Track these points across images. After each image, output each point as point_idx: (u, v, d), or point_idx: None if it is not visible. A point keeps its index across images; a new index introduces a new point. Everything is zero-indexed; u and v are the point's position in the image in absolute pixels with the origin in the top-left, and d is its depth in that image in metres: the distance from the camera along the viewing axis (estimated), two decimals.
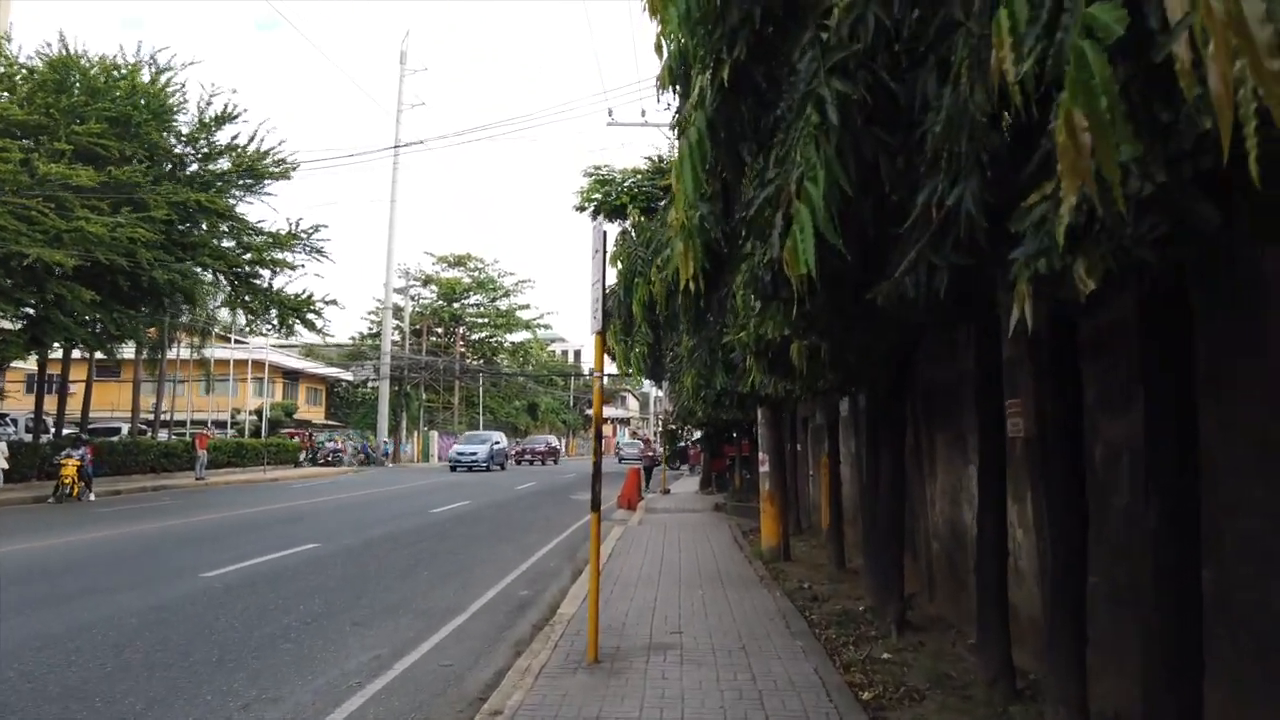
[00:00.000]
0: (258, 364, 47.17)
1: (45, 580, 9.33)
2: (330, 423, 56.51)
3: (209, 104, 26.15)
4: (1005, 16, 1.76)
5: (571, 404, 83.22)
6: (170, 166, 25.78)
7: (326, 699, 5.43)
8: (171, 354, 36.57)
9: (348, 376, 58.45)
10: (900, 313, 2.83)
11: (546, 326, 72.68)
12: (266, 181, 27.65)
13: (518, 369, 71.87)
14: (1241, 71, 1.21)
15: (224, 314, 36.19)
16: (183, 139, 26.33)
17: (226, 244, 27.39)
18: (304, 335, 32.69)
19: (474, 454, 41.61)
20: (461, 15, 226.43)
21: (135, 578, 9.63)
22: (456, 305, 65.46)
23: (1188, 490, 3.38)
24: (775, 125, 3.03)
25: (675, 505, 21.53)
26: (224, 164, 26.77)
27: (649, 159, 15.47)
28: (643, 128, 20.61)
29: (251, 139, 26.96)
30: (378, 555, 11.84)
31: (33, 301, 21.66)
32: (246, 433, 43.38)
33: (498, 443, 44.72)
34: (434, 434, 57.28)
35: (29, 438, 26.97)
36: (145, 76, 24.99)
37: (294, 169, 27.19)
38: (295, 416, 51.45)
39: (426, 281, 64.49)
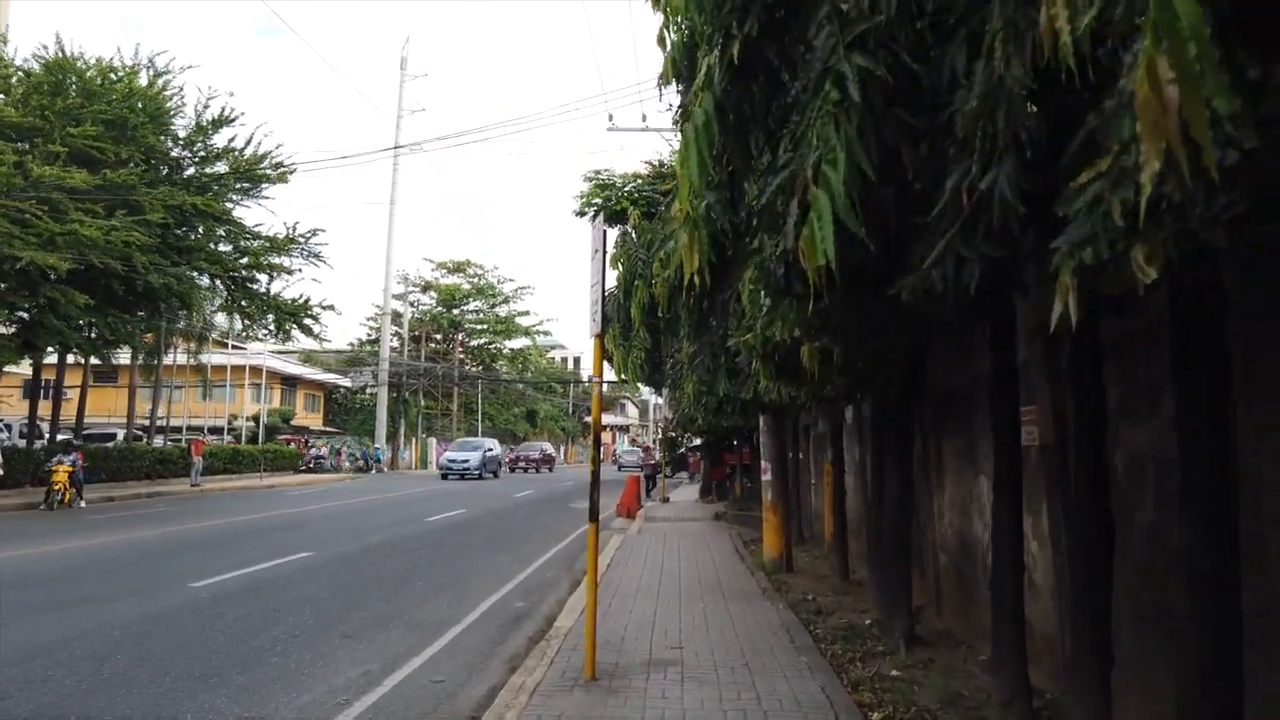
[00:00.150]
0: (255, 370, 46.92)
1: (29, 590, 9.08)
2: (328, 429, 56.22)
3: (206, 107, 26.01)
4: None
5: (571, 411, 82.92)
6: (166, 170, 25.59)
7: (312, 718, 5.19)
8: (168, 359, 36.36)
9: (346, 383, 58.19)
10: (926, 309, 2.61)
11: (546, 333, 72.46)
12: (264, 185, 27.47)
13: (517, 375, 71.62)
14: None
15: (221, 319, 35.93)
16: (179, 142, 26.15)
17: (223, 248, 27.20)
18: (301, 341, 32.46)
19: (465, 461, 39.96)
20: (464, 16, 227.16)
21: (122, 588, 9.39)
22: (456, 311, 65.25)
23: (1223, 498, 3.18)
24: (789, 110, 2.82)
25: (675, 514, 21.29)
26: (221, 167, 26.58)
27: (649, 163, 15.25)
28: (643, 132, 20.41)
29: (248, 142, 26.79)
30: (371, 564, 11.59)
31: (26, 305, 21.42)
32: (244, 439, 43.11)
33: (490, 450, 43.24)
34: (432, 441, 56.99)
35: (23, 443, 26.72)
36: (143, 80, 24.83)
37: (291, 172, 26.97)
38: (293, 423, 51.16)
39: (426, 287, 64.29)
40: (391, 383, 50.72)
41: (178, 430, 40.89)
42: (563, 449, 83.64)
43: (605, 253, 5.95)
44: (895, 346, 4.57)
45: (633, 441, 77.98)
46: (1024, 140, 2.08)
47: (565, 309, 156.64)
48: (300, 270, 28.88)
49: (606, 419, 74.18)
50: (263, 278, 27.93)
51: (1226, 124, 1.32)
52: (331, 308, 31.29)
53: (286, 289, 31.46)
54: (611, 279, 13.02)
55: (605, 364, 10.66)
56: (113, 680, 5.85)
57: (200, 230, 26.04)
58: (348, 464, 45.59)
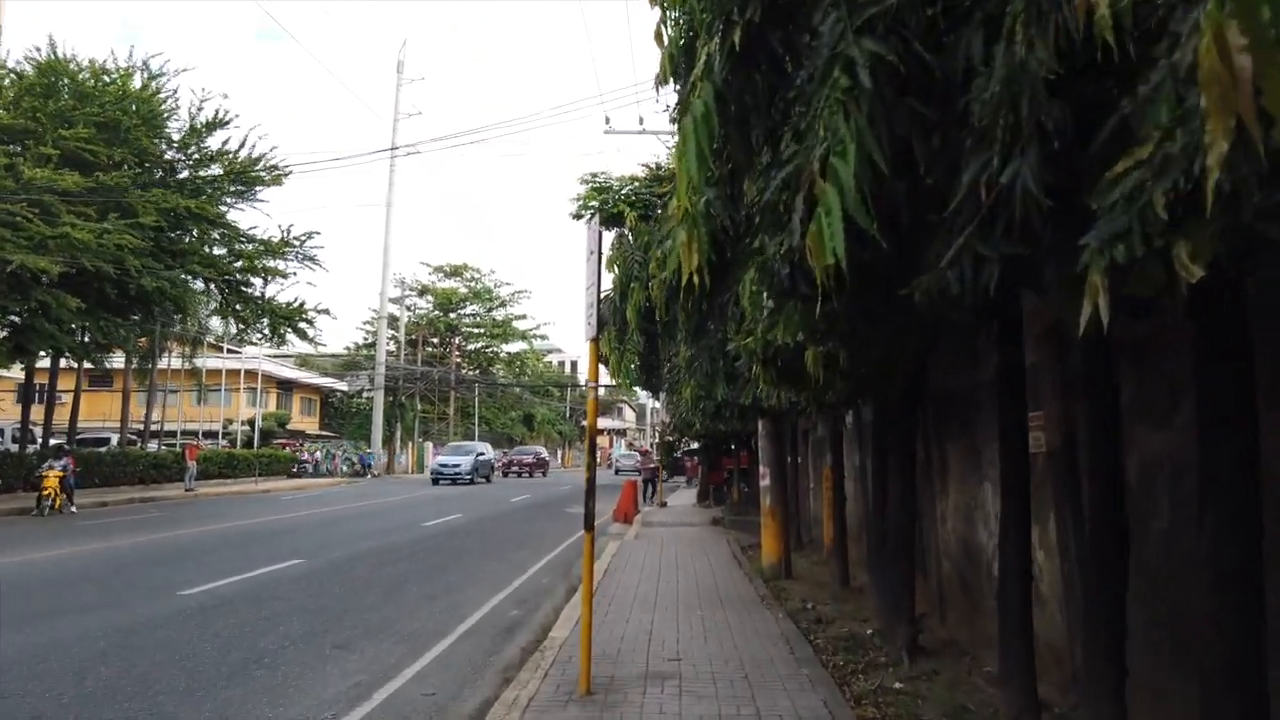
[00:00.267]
0: (251, 374, 46.72)
1: (12, 599, 8.88)
2: (325, 433, 55.99)
3: (200, 109, 25.86)
4: None
5: (568, 415, 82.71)
6: (160, 173, 25.42)
7: None
8: (163, 364, 36.15)
9: (342, 387, 57.95)
10: (940, 310, 2.46)
11: (543, 337, 72.24)
12: (258, 188, 27.31)
13: (514, 380, 71.39)
14: None
15: (215, 323, 35.75)
16: (173, 145, 25.98)
17: (217, 251, 27.04)
18: (296, 345, 32.29)
19: (457, 466, 38.62)
20: (463, 15, 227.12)
21: (109, 596, 9.21)
22: (452, 315, 65.02)
23: (1248, 501, 3.04)
24: (793, 102, 2.67)
25: (672, 518, 21.11)
26: (215, 170, 26.41)
27: (646, 166, 15.09)
28: (640, 135, 20.26)
29: (243, 144, 26.64)
30: (364, 571, 11.42)
31: (17, 309, 21.23)
32: (239, 443, 42.87)
33: (482, 454, 42.01)
34: (429, 445, 56.75)
35: (15, 448, 26.50)
36: (137, 82, 24.66)
37: (286, 174, 26.86)
38: (289, 427, 50.95)
39: (423, 291, 64.08)
40: (388, 387, 50.45)
41: (172, 434, 40.68)
42: (560, 453, 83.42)
43: (601, 254, 5.79)
44: (903, 350, 4.42)
45: (629, 445, 77.68)
46: (1050, 130, 1.94)
47: (562, 313, 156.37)
48: (295, 274, 28.79)
49: (603, 423, 74.00)
50: (257, 281, 27.79)
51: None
52: (326, 312, 31.17)
53: (281, 292, 31.23)
54: (607, 282, 12.86)
55: (602, 367, 10.50)
56: (95, 694, 5.68)
57: (194, 233, 25.89)
58: (344, 468, 45.27)
